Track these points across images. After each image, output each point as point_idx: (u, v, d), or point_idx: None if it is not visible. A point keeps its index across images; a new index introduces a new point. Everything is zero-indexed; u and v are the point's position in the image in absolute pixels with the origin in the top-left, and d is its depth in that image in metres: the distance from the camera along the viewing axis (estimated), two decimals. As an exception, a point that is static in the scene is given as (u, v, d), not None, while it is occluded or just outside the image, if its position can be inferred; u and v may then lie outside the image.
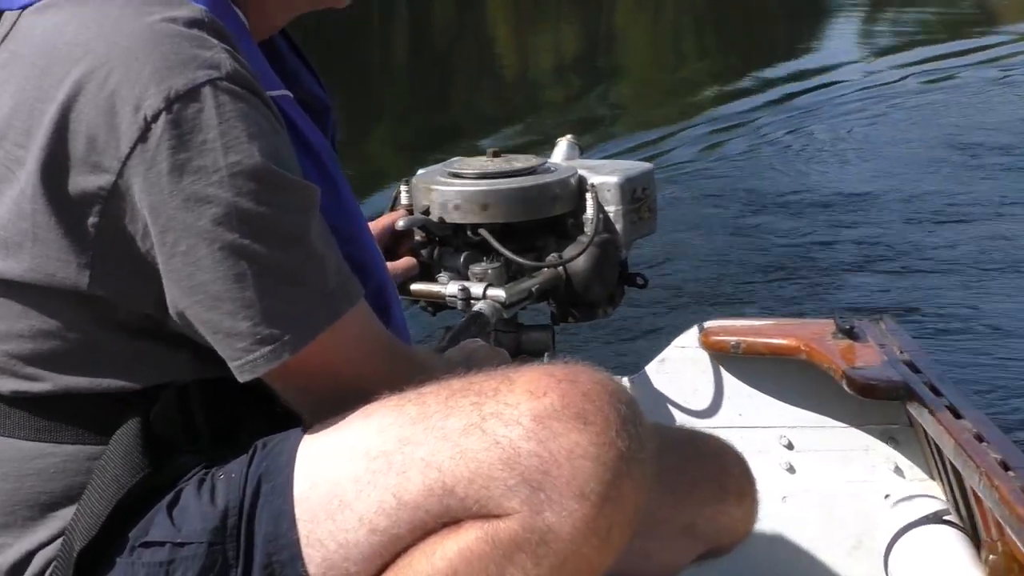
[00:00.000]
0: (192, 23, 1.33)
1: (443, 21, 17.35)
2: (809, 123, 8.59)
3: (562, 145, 2.41)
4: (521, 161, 2.26)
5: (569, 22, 16.74)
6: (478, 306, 2.08)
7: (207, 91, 1.29)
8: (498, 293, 2.09)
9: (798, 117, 8.78)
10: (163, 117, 1.28)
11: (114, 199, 1.31)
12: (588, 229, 2.20)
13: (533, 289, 2.17)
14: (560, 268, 2.19)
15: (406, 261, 2.18)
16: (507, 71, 13.53)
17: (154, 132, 1.28)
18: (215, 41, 1.33)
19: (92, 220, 1.32)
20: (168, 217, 1.29)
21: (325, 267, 1.36)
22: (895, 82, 9.88)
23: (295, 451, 1.37)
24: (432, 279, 2.21)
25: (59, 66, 1.32)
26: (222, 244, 1.30)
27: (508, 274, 2.19)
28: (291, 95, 1.48)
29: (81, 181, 1.31)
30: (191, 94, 1.29)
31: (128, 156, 1.29)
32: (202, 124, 1.29)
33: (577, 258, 2.17)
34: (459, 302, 2.13)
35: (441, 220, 2.18)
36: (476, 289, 2.12)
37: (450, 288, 2.14)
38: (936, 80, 9.86)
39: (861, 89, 9.66)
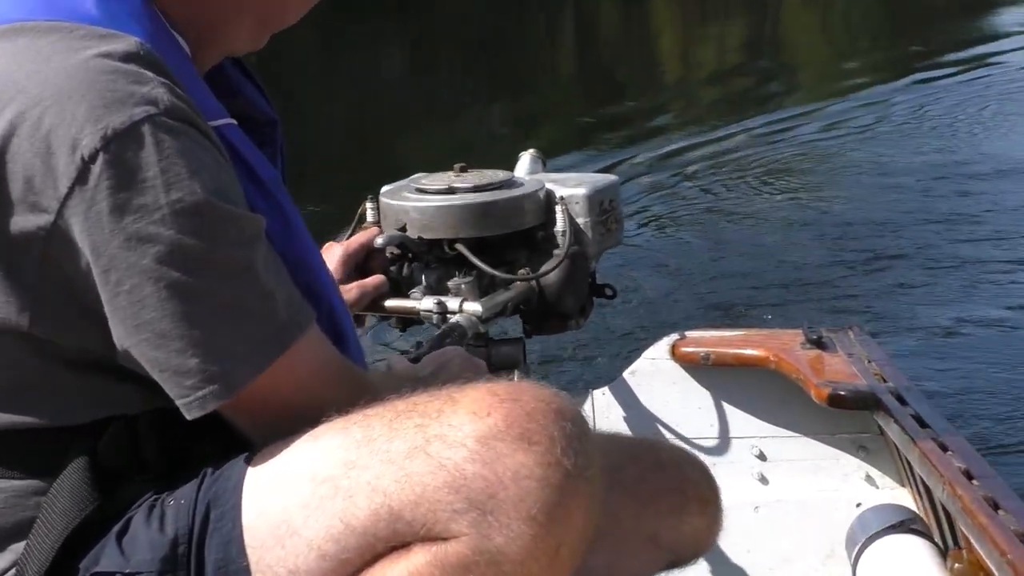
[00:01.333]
0: (127, 57, 1.31)
1: (608, 22, 17.42)
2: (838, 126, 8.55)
3: (525, 159, 2.41)
4: (489, 176, 2.26)
5: (735, 20, 16.70)
6: (455, 319, 2.08)
7: (145, 128, 1.28)
8: (475, 307, 2.10)
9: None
10: (101, 157, 1.27)
11: (54, 239, 1.29)
12: (561, 241, 2.21)
13: (509, 302, 2.17)
14: (533, 281, 2.19)
15: (376, 279, 2.17)
16: (670, 70, 13.55)
17: (92, 172, 1.27)
18: (152, 75, 1.31)
19: (32, 260, 1.31)
20: (110, 257, 1.28)
21: (274, 298, 1.35)
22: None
23: (243, 476, 1.36)
24: (402, 295, 2.21)
25: None
26: (167, 282, 1.28)
27: (480, 289, 2.19)
28: (235, 123, 1.47)
29: (19, 221, 1.30)
30: (129, 132, 1.27)
31: (67, 196, 1.27)
32: (141, 162, 1.28)
33: (552, 271, 2.18)
34: (435, 316, 2.13)
35: (420, 237, 2.18)
36: (452, 303, 2.12)
37: (425, 303, 2.14)
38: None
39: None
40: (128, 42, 1.33)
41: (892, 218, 6.29)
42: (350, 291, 2.11)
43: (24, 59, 1.31)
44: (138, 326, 1.30)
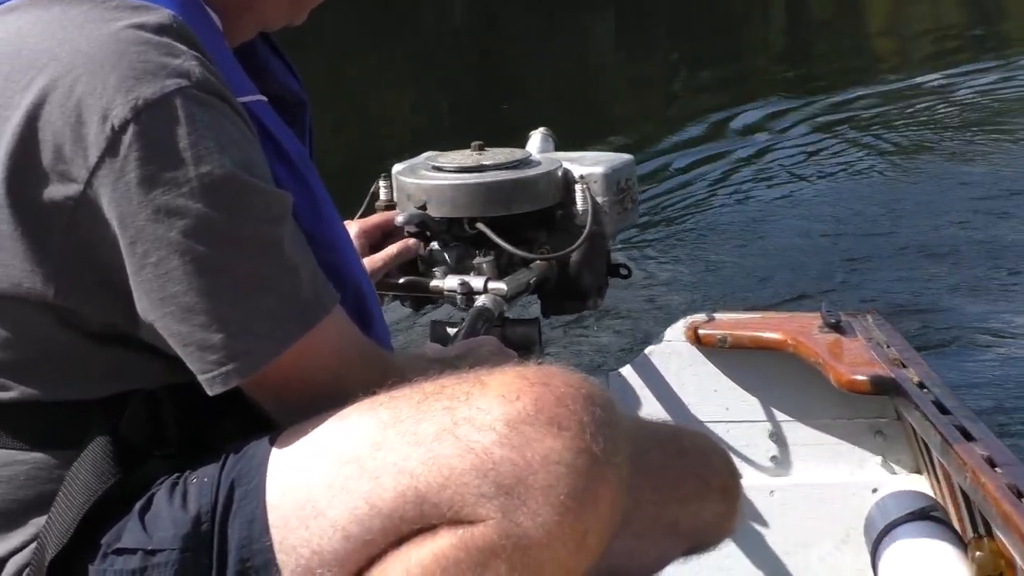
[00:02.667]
0: (160, 29, 1.30)
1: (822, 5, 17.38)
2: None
3: (536, 137, 2.39)
4: (507, 154, 2.25)
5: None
6: (480, 301, 2.06)
7: (176, 100, 1.27)
8: (499, 286, 2.08)
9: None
10: (131, 127, 1.26)
11: (81, 209, 1.29)
12: (582, 221, 2.19)
13: (531, 281, 2.15)
14: (552, 261, 2.18)
15: (399, 244, 2.14)
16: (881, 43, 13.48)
17: (122, 142, 1.26)
18: (184, 48, 1.30)
19: (59, 230, 1.30)
20: (138, 228, 1.28)
21: (299, 276, 1.34)
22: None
23: (267, 455, 1.35)
24: (421, 274, 2.19)
25: (23, 73, 1.30)
26: (193, 255, 1.28)
27: (499, 268, 2.18)
28: (265, 99, 1.46)
29: (48, 191, 1.29)
30: (160, 103, 1.27)
31: (96, 166, 1.27)
32: (171, 134, 1.27)
33: (574, 250, 2.16)
34: (459, 297, 2.11)
35: (439, 216, 2.16)
36: (476, 283, 2.10)
37: (449, 283, 2.12)
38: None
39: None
40: (161, 14, 1.32)
41: (931, 207, 6.22)
42: (374, 261, 2.10)
43: (57, 28, 1.30)
44: (163, 299, 1.29)
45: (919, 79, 9.65)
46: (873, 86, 9.33)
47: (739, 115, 8.64)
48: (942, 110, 8.59)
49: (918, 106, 8.72)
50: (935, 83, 9.51)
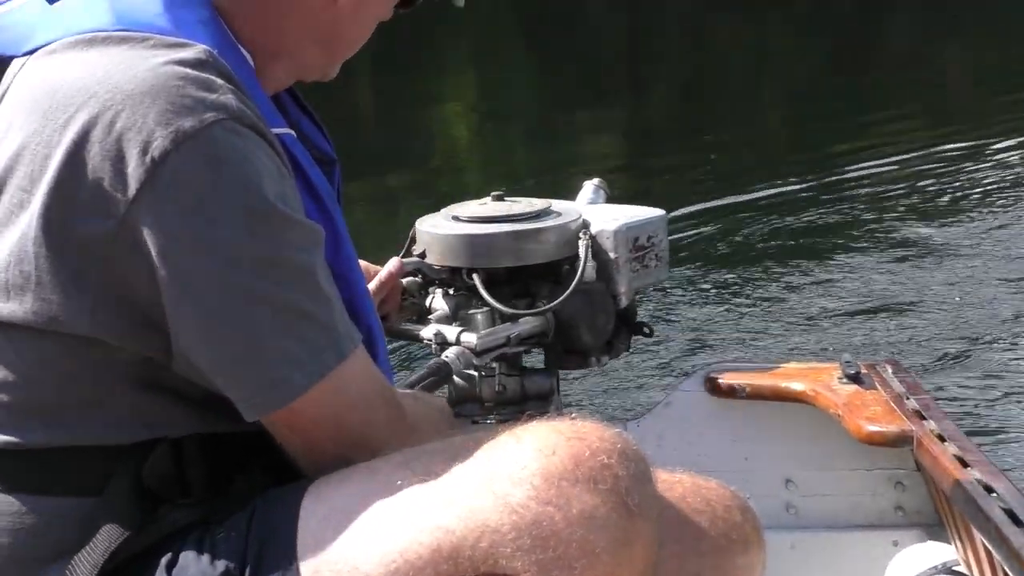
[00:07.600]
0: (197, 64, 1.33)
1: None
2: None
3: (587, 188, 2.36)
4: (523, 205, 2.22)
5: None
6: (447, 352, 2.04)
7: (215, 132, 1.30)
8: (469, 339, 2.05)
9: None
10: (171, 159, 1.28)
11: (120, 242, 1.30)
12: (587, 275, 2.16)
13: (511, 335, 2.10)
14: (549, 315, 2.14)
15: (390, 264, 2.12)
16: None
17: (162, 174, 1.28)
18: (221, 82, 1.33)
19: (97, 263, 1.31)
20: (176, 259, 1.29)
21: (332, 307, 1.37)
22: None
23: (298, 509, 1.35)
24: (425, 321, 2.19)
25: (63, 111, 1.32)
26: (231, 285, 1.30)
27: (500, 319, 2.15)
28: (294, 134, 1.48)
29: (87, 225, 1.30)
30: (198, 135, 1.29)
31: (135, 198, 1.29)
32: (211, 166, 1.29)
33: (562, 305, 2.08)
34: (434, 346, 2.10)
35: (441, 265, 2.16)
36: (450, 334, 2.08)
37: (426, 331, 2.11)
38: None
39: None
40: (197, 50, 1.35)
41: (953, 258, 6.13)
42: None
43: (96, 67, 1.33)
44: (200, 328, 1.31)
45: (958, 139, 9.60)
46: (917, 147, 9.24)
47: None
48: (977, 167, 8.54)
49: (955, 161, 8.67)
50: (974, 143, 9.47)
